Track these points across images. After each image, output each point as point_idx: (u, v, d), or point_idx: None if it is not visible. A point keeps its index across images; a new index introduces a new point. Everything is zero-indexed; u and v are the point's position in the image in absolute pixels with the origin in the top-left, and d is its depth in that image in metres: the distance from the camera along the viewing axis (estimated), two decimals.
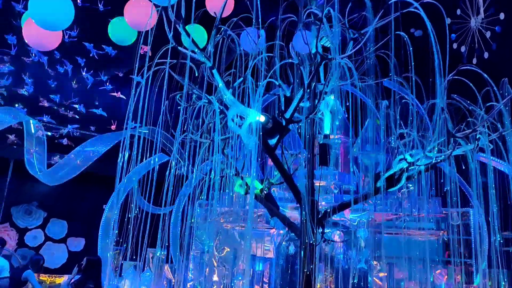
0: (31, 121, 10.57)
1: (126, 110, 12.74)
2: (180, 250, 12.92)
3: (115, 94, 10.11)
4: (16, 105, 10.50)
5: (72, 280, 6.50)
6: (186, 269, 11.52)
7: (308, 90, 4.90)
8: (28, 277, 7.11)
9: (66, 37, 9.15)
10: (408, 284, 10.34)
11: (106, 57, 9.35)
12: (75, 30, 8.98)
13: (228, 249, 11.61)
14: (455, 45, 11.64)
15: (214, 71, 4.88)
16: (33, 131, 10.65)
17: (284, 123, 5.13)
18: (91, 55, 9.09)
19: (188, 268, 11.64)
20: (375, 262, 10.36)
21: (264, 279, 11.00)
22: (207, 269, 11.44)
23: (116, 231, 12.17)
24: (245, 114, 4.74)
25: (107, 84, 9.77)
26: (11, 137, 10.24)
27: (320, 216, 5.13)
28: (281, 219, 6.03)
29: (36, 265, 7.70)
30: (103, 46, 9.16)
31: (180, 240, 13.11)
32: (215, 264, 11.48)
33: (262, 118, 4.84)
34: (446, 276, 10.30)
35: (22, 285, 7.34)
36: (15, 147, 10.65)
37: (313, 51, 4.81)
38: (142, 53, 9.70)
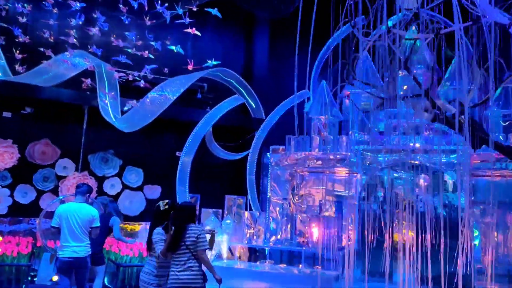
0: (102, 63, 10.03)
1: (201, 47, 11.96)
2: (258, 197, 12.50)
3: (189, 30, 9.26)
4: (89, 46, 9.92)
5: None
6: (267, 217, 11.12)
7: None
8: (114, 224, 7.27)
9: None
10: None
11: None
12: None
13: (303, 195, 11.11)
14: None
15: None
16: (105, 74, 10.14)
17: None
18: None
19: (269, 215, 11.22)
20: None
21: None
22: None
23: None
24: None
25: (185, 17, 8.91)
26: (86, 81, 9.75)
27: None
28: (498, 149, 4.70)
29: (120, 213, 7.66)
30: None
31: (257, 186, 12.65)
32: (294, 211, 10.99)
33: None
34: None
35: (109, 233, 7.35)
36: (88, 93, 10.21)
37: None
38: None
